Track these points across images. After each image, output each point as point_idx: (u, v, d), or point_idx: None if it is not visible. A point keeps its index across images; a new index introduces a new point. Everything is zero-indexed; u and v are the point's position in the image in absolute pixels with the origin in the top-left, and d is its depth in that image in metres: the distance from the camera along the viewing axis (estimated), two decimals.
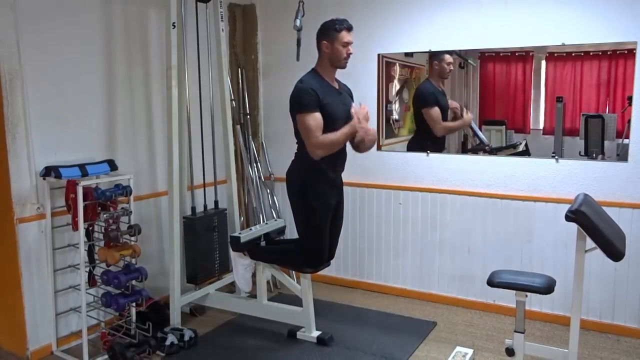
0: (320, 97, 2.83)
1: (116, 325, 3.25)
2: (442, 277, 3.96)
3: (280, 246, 3.42)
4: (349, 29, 2.90)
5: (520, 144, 3.78)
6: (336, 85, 3.03)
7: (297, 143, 3.04)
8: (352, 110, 2.93)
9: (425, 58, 4.02)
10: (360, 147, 3.01)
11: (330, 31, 2.88)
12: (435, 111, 3.87)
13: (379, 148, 4.09)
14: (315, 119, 2.81)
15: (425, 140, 3.96)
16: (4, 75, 2.90)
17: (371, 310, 3.85)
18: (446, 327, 3.57)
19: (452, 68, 3.82)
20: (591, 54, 3.39)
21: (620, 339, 3.36)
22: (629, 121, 3.25)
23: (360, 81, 4.07)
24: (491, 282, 2.65)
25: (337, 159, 3.03)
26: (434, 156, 3.90)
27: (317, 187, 2.96)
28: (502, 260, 3.68)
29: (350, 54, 2.92)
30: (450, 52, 3.83)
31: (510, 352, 2.68)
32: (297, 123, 2.88)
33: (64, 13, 3.18)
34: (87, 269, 3.20)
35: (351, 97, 3.17)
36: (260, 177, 4.37)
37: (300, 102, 2.83)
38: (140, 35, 3.67)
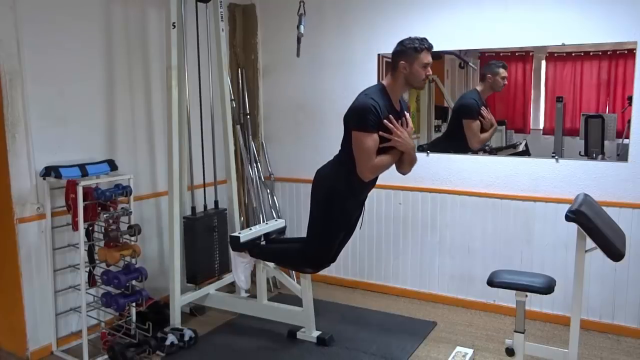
0: (381, 117, 2.65)
1: (116, 325, 3.25)
2: (442, 277, 3.96)
3: (281, 245, 3.42)
4: (430, 48, 2.70)
5: (520, 144, 3.78)
6: (398, 106, 2.80)
7: (341, 150, 2.86)
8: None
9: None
10: (401, 166, 2.87)
11: (410, 51, 2.66)
12: (477, 125, 3.76)
13: None
14: (373, 140, 2.64)
15: (451, 145, 3.90)
16: (4, 75, 2.90)
17: (371, 310, 3.85)
18: (446, 327, 3.57)
19: (506, 82, 3.68)
20: (591, 54, 3.39)
21: (620, 339, 3.36)
22: (629, 121, 3.25)
23: (361, 81, 4.06)
24: (491, 282, 2.65)
25: (374, 181, 2.93)
26: (434, 156, 3.90)
27: (344, 201, 2.88)
28: (502, 260, 3.68)
29: (429, 75, 2.72)
30: (450, 53, 3.83)
31: (510, 352, 2.68)
32: (352, 139, 2.68)
33: (64, 13, 3.18)
34: (87, 269, 3.20)
35: (407, 110, 2.95)
36: (260, 177, 4.37)
37: (361, 119, 2.63)
38: (140, 35, 3.67)
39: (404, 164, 2.85)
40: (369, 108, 2.61)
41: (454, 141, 3.89)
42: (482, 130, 3.79)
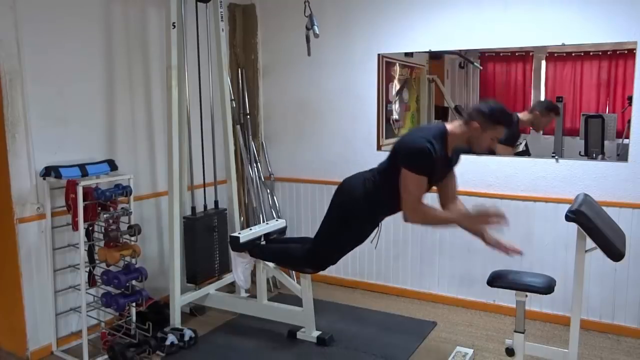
0: (435, 162, 2.56)
1: (116, 325, 3.25)
2: (442, 277, 3.95)
3: (281, 245, 3.42)
4: (509, 125, 2.60)
5: (520, 144, 3.78)
6: (450, 153, 2.67)
7: (383, 172, 2.75)
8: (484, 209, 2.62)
9: (425, 58, 4.02)
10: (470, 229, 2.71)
11: (490, 119, 2.50)
12: (507, 151, 3.69)
13: (379, 148, 4.09)
14: (423, 182, 2.56)
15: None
16: (4, 76, 2.90)
17: (371, 310, 3.85)
18: (446, 327, 3.57)
19: (547, 126, 3.60)
20: (591, 54, 3.39)
21: (620, 339, 3.36)
22: (629, 121, 3.25)
23: (360, 81, 4.08)
24: (491, 282, 2.66)
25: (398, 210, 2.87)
26: None
27: (366, 222, 2.89)
28: (502, 260, 3.66)
29: (492, 148, 2.63)
30: (451, 52, 3.84)
31: (510, 352, 2.68)
32: (402, 174, 2.57)
33: (64, 13, 3.17)
34: (87, 269, 3.20)
35: (458, 158, 2.83)
36: (260, 177, 4.37)
37: (414, 161, 2.53)
38: (140, 35, 3.67)
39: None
40: (426, 153, 2.50)
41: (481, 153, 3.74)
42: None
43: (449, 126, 2.62)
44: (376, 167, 2.85)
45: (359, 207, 2.80)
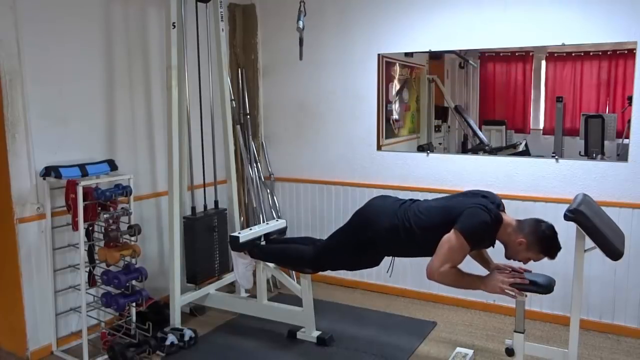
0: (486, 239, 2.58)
1: (116, 325, 3.25)
2: None
3: (281, 245, 3.42)
4: (552, 257, 2.55)
5: (520, 144, 3.78)
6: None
7: (418, 221, 2.66)
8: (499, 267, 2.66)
9: (425, 58, 4.02)
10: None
11: (538, 243, 2.49)
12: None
13: (379, 148, 4.09)
14: (465, 250, 2.52)
15: None
16: (4, 76, 2.90)
17: (371, 310, 3.85)
18: (446, 327, 3.57)
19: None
20: (591, 54, 3.40)
21: (620, 339, 3.36)
22: (629, 121, 3.25)
23: (360, 81, 4.08)
24: None
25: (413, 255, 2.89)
26: (433, 156, 3.90)
27: (379, 253, 2.89)
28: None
29: (524, 265, 2.62)
30: (451, 52, 3.84)
31: (510, 352, 2.68)
32: (450, 235, 2.50)
33: (64, 13, 3.18)
34: (87, 269, 3.20)
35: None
36: (260, 177, 4.37)
37: (473, 231, 2.48)
38: (140, 35, 3.67)
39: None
40: (488, 226, 2.50)
41: None
42: None
43: (505, 219, 2.57)
44: (414, 207, 2.73)
45: (382, 244, 2.78)
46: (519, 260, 2.60)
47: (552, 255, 2.54)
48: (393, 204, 2.81)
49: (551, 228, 2.51)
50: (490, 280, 2.58)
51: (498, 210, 2.60)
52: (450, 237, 2.50)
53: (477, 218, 2.49)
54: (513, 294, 2.54)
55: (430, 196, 3.92)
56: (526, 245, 2.50)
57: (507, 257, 2.62)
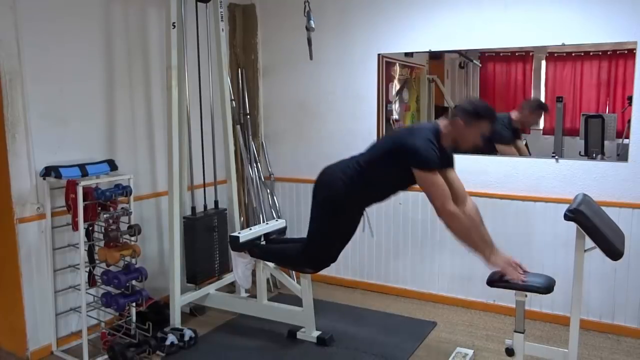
0: (439, 160, 2.64)
1: (116, 325, 3.25)
2: (442, 277, 3.95)
3: (280, 245, 3.42)
4: (492, 120, 2.65)
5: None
6: (444, 149, 2.75)
7: (367, 166, 2.77)
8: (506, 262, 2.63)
9: (425, 58, 4.02)
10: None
11: (472, 115, 2.60)
12: (511, 150, 3.71)
13: None
14: (441, 179, 2.60)
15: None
16: (4, 75, 2.90)
17: (371, 310, 3.85)
18: (446, 327, 3.57)
19: (539, 122, 3.69)
20: (591, 54, 3.39)
21: (620, 339, 3.36)
22: (629, 121, 3.25)
23: (360, 81, 4.08)
24: (491, 282, 2.65)
25: (385, 199, 2.97)
26: None
27: (352, 211, 2.91)
28: None
29: (478, 144, 2.70)
30: (451, 52, 3.83)
31: (510, 352, 2.68)
32: (418, 178, 2.61)
33: (64, 13, 3.18)
34: (87, 269, 3.20)
35: (451, 156, 2.88)
36: (260, 177, 4.37)
37: (425, 160, 2.57)
38: (140, 35, 3.67)
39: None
40: (431, 149, 2.58)
41: (473, 151, 3.71)
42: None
43: (441, 124, 2.71)
44: (357, 156, 2.86)
45: (348, 197, 2.83)
46: (470, 145, 2.67)
47: (490, 117, 2.62)
48: (340, 163, 2.91)
49: (476, 98, 2.66)
50: (500, 255, 2.62)
51: (431, 125, 2.74)
52: (421, 179, 2.61)
53: (421, 152, 2.57)
54: (516, 278, 2.55)
55: None
56: (464, 123, 2.61)
57: (464, 149, 2.71)
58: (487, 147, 3.65)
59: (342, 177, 2.82)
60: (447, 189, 2.62)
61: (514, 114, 3.71)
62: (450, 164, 2.84)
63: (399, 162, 2.66)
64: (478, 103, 2.67)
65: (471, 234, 2.67)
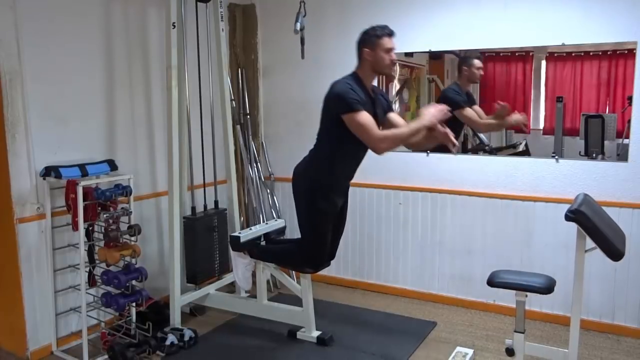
0: (361, 98, 2.71)
1: (116, 325, 3.25)
2: (442, 277, 3.95)
3: (280, 246, 3.42)
4: (391, 34, 2.76)
5: (520, 144, 3.78)
6: (371, 94, 2.87)
7: (318, 142, 2.92)
8: (427, 109, 2.77)
9: (425, 58, 4.02)
10: (422, 144, 2.91)
11: (371, 38, 2.75)
12: (469, 111, 3.77)
13: None
14: (368, 115, 2.68)
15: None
16: (4, 75, 2.90)
17: (371, 310, 3.85)
18: (446, 327, 3.57)
19: (482, 73, 3.73)
20: (591, 54, 3.39)
21: (620, 339, 3.36)
22: (629, 121, 3.25)
23: None
24: (491, 282, 2.65)
25: (355, 166, 3.00)
26: (434, 156, 3.90)
27: (326, 191, 2.93)
28: (502, 260, 3.67)
29: (394, 60, 2.79)
30: (451, 53, 3.83)
31: (510, 352, 2.68)
32: (347, 123, 2.69)
33: (64, 13, 3.18)
34: (87, 269, 3.20)
35: (387, 101, 3.02)
36: (260, 177, 4.37)
37: (347, 102, 2.66)
38: (140, 35, 3.67)
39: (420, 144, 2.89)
40: (348, 89, 2.69)
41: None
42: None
43: (356, 70, 2.83)
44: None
45: (319, 182, 2.90)
46: (387, 64, 2.76)
47: (385, 31, 2.74)
48: (305, 157, 3.03)
49: (364, 30, 2.80)
50: (424, 112, 2.73)
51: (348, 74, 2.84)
52: (350, 123, 2.67)
53: (338, 94, 2.70)
54: (443, 129, 2.71)
55: (430, 196, 3.95)
56: (370, 49, 2.75)
57: (386, 73, 2.86)
58: (454, 124, 3.62)
59: (311, 166, 2.94)
60: (374, 125, 2.68)
61: (458, 79, 3.83)
62: (390, 108, 2.98)
63: (334, 120, 2.74)
64: (369, 28, 2.79)
65: (404, 136, 2.73)
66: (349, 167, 2.97)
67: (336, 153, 2.85)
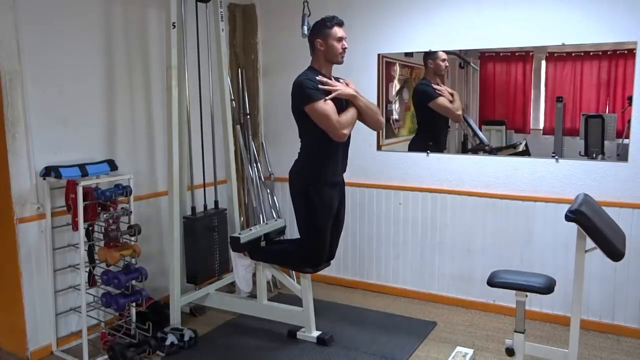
0: (319, 88, 2.83)
1: (116, 325, 3.25)
2: (442, 277, 3.96)
3: (280, 246, 3.42)
4: (340, 24, 2.91)
5: (520, 144, 3.78)
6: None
7: (301, 142, 3.04)
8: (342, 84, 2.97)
9: None
10: (365, 119, 3.00)
11: (322, 29, 2.90)
12: (443, 100, 3.88)
13: (379, 148, 4.09)
14: (328, 104, 2.80)
15: (427, 140, 3.97)
16: (4, 75, 2.90)
17: (371, 310, 3.85)
18: (446, 327, 3.57)
19: (447, 64, 3.83)
20: (591, 54, 3.39)
21: (620, 339, 3.36)
22: (629, 121, 3.25)
23: (360, 81, 4.06)
24: (491, 282, 2.65)
25: (343, 158, 3.06)
26: (434, 156, 3.90)
27: (320, 187, 2.96)
28: (502, 260, 3.67)
29: (345, 48, 2.93)
30: (451, 53, 3.83)
31: (510, 352, 2.68)
32: (311, 114, 2.82)
33: (64, 13, 3.18)
34: (87, 269, 3.20)
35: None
36: (260, 177, 4.37)
37: (306, 94, 2.81)
38: (140, 35, 3.67)
39: (364, 114, 2.97)
40: (306, 81, 2.82)
41: (426, 134, 4.03)
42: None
43: (312, 64, 2.98)
44: None
45: (309, 180, 2.97)
46: (339, 53, 2.91)
47: (334, 21, 2.90)
48: (296, 159, 3.13)
49: (314, 23, 2.97)
50: (345, 90, 2.91)
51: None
52: (312, 114, 2.81)
53: (297, 88, 2.87)
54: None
55: (430, 196, 3.95)
56: (320, 39, 2.90)
57: (339, 62, 2.95)
58: (441, 122, 3.96)
59: (299, 166, 3.04)
60: (334, 112, 2.78)
61: (427, 75, 3.94)
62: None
63: (302, 115, 2.87)
64: (319, 20, 2.93)
65: (354, 118, 2.92)
66: (334, 158, 3.00)
67: (318, 148, 2.93)
